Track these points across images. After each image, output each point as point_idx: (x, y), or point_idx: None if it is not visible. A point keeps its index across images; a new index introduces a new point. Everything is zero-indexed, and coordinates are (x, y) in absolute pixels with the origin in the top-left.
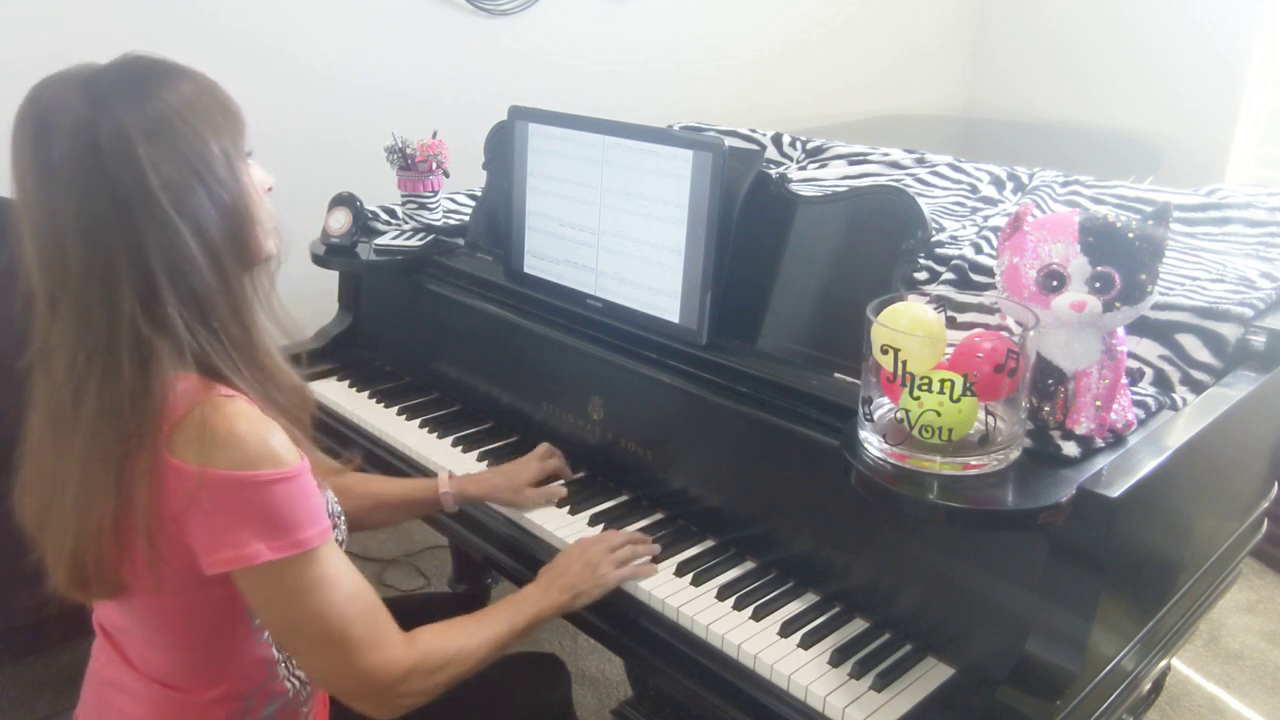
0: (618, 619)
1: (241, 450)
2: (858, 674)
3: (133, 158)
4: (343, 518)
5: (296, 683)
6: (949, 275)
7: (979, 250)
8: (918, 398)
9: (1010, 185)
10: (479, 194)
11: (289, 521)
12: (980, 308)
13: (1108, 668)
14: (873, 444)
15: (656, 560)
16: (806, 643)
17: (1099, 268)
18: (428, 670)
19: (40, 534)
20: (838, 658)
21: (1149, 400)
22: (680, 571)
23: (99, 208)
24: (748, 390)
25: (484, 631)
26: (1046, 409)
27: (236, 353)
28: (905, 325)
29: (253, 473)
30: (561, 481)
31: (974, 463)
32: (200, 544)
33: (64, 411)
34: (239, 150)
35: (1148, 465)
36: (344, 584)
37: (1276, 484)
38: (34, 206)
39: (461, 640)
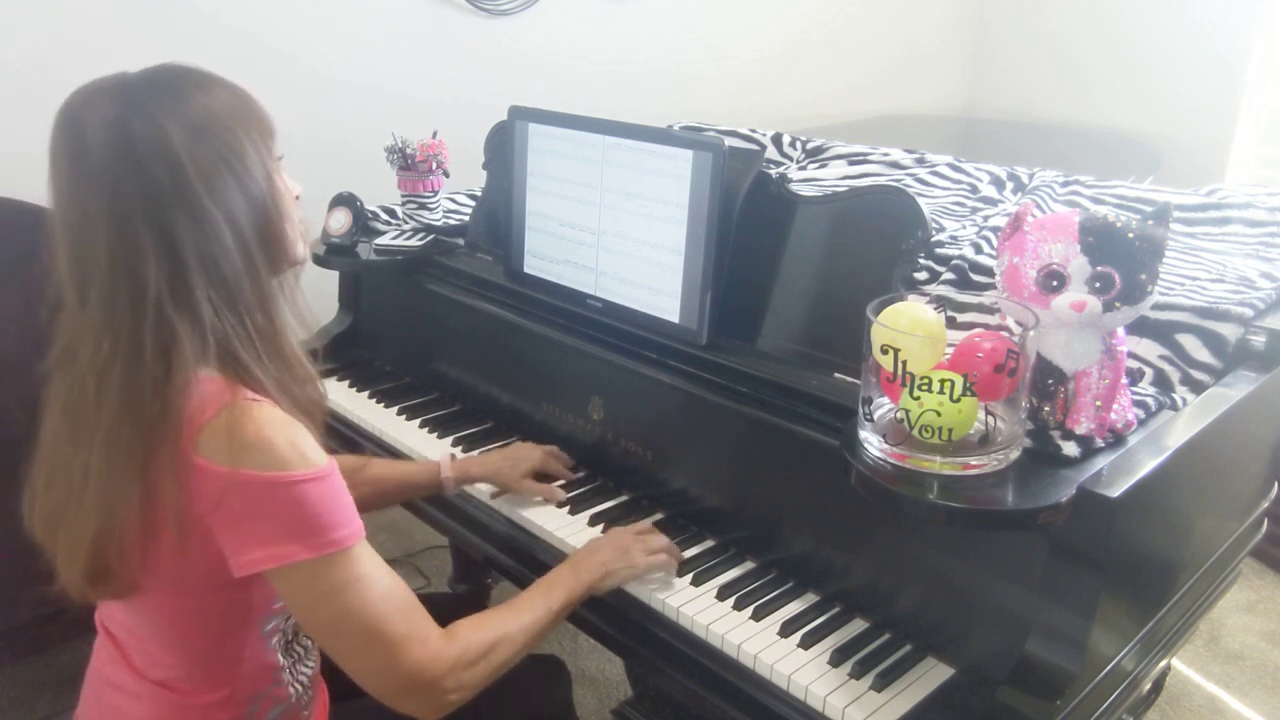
0: (618, 619)
1: (271, 452)
2: (858, 674)
3: (167, 146)
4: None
5: (299, 688)
6: (949, 275)
7: (979, 250)
8: (918, 398)
9: (1010, 185)
10: (479, 194)
11: (322, 521)
12: (980, 308)
13: (1108, 668)
14: (873, 444)
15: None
16: (806, 643)
17: (1099, 268)
18: (469, 662)
19: (50, 538)
20: (838, 658)
21: (1149, 400)
22: (680, 571)
23: (130, 194)
24: (748, 390)
25: (521, 617)
26: (1046, 409)
27: (260, 341)
28: (905, 325)
29: (284, 473)
30: (560, 483)
31: (974, 463)
32: (230, 545)
33: (86, 401)
34: (270, 152)
35: (1148, 465)
36: (380, 582)
37: (1276, 484)
38: (66, 204)
39: (500, 628)
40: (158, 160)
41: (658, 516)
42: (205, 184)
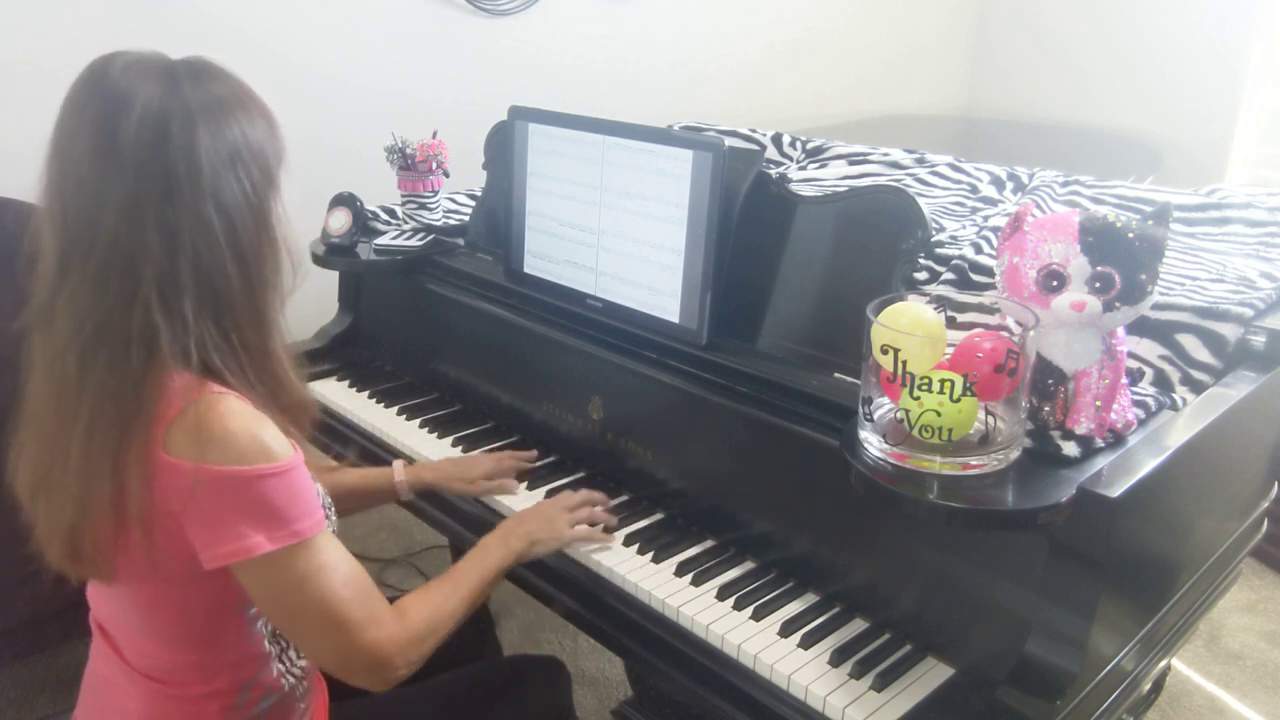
0: (618, 619)
1: (235, 447)
2: (858, 674)
3: (194, 151)
4: (333, 509)
5: (292, 679)
6: (949, 275)
7: (979, 250)
8: (918, 398)
9: (1010, 185)
10: (479, 194)
11: (285, 513)
12: (980, 308)
13: (1108, 668)
14: (873, 444)
15: (656, 559)
16: (806, 643)
17: (1099, 268)
18: (420, 639)
19: (32, 502)
20: (838, 658)
21: (1149, 400)
22: (680, 571)
23: (149, 190)
24: (748, 390)
25: (460, 591)
26: (1046, 409)
27: (248, 357)
28: (905, 325)
29: (247, 468)
30: (522, 465)
31: (974, 463)
32: (199, 539)
33: (67, 379)
34: (278, 172)
35: (1148, 465)
36: (341, 569)
37: (1276, 484)
38: (76, 174)
39: (442, 603)
40: (183, 160)
41: (658, 516)
42: (215, 195)
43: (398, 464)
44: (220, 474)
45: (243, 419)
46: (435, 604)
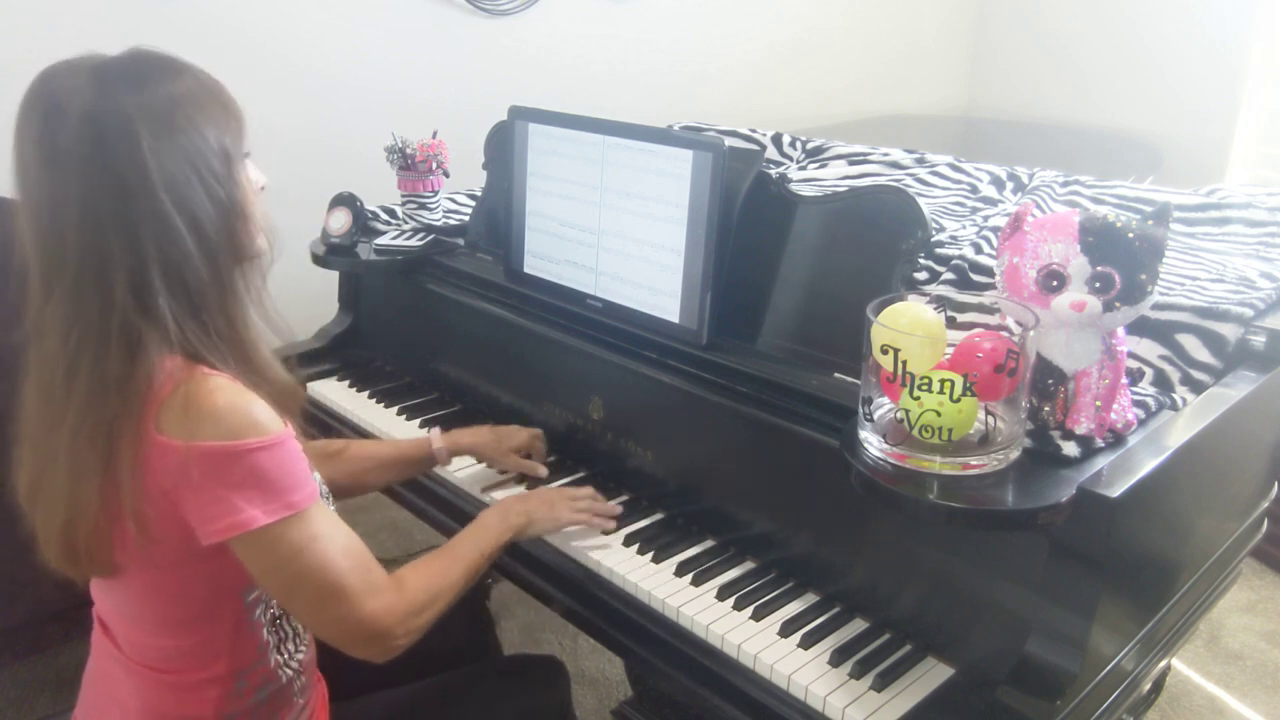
0: (618, 619)
1: (225, 422)
2: (858, 674)
3: (137, 149)
4: (330, 497)
5: (290, 671)
6: (949, 275)
7: (979, 250)
8: (918, 398)
9: (1010, 185)
10: (479, 194)
11: (278, 486)
12: (980, 308)
13: (1108, 668)
14: (873, 444)
15: (656, 559)
16: (806, 643)
17: (1099, 268)
18: (418, 610)
19: (31, 508)
20: (838, 658)
21: (1149, 400)
22: (680, 571)
23: (100, 196)
24: (748, 390)
25: (459, 563)
26: (1046, 409)
27: (225, 345)
28: (905, 325)
29: (238, 442)
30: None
31: (974, 463)
32: (195, 516)
33: (56, 388)
34: (238, 149)
35: (1148, 465)
36: (337, 539)
37: (1276, 484)
38: (36, 191)
39: (441, 574)
40: (128, 163)
41: (658, 516)
42: (170, 189)
43: (435, 432)
44: (211, 449)
45: (231, 394)
46: (434, 574)
